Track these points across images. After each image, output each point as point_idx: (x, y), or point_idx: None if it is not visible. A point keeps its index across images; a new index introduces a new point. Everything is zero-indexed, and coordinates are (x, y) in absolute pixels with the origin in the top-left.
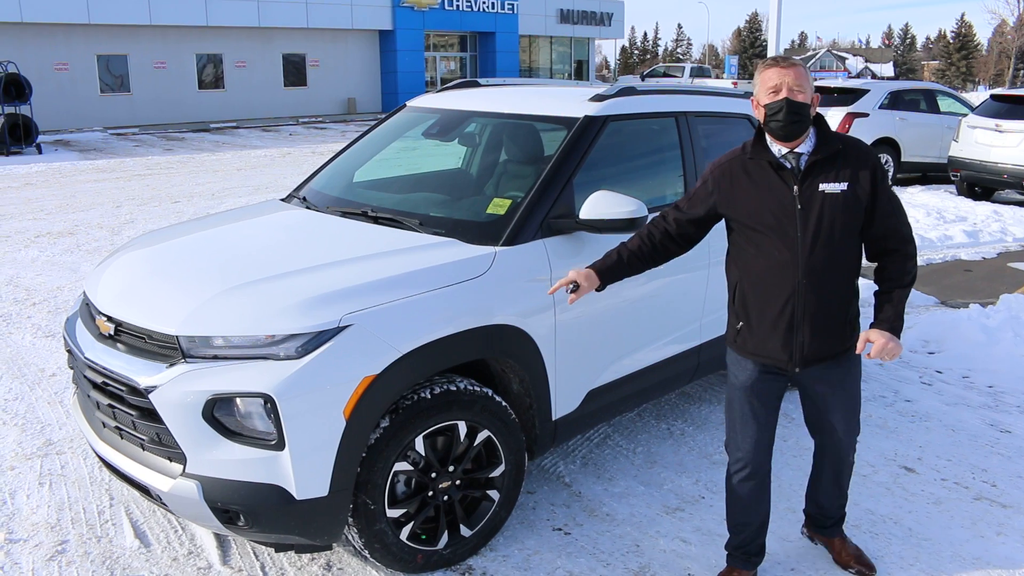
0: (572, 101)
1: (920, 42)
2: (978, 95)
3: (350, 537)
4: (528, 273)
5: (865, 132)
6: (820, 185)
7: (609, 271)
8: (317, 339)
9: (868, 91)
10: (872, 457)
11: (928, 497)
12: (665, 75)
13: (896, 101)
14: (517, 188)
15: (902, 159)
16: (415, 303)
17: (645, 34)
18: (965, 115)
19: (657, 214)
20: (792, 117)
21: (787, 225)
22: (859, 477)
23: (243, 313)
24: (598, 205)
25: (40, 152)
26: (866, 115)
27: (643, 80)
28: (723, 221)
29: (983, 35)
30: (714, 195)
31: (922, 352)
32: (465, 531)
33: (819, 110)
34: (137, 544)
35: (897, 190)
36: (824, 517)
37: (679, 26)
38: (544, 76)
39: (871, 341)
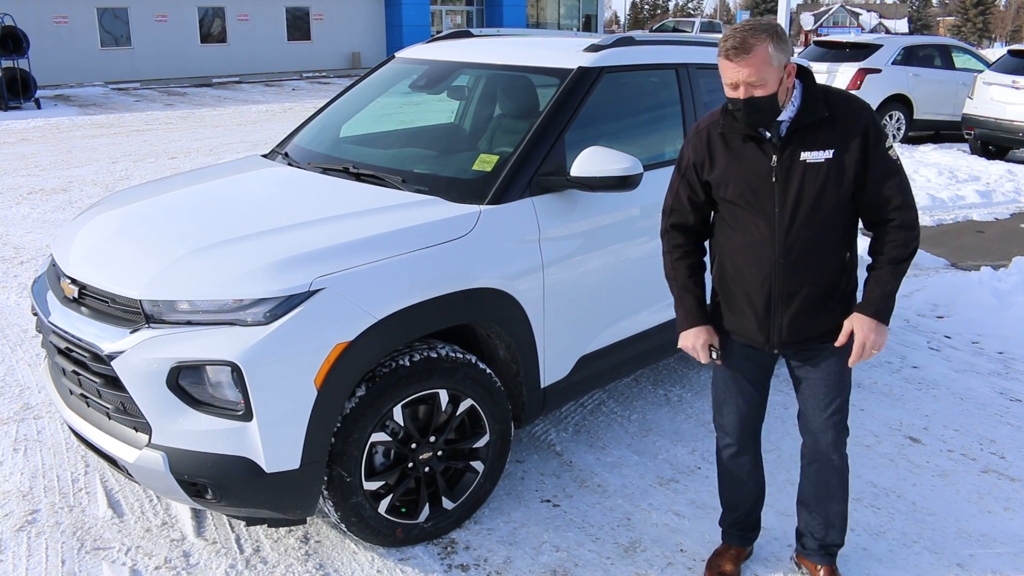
0: (566, 52)
1: None
2: (995, 52)
3: (326, 510)
4: (515, 233)
5: (877, 88)
6: (802, 154)
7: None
8: (287, 304)
9: (881, 46)
10: (876, 426)
11: (933, 469)
12: (675, 30)
13: (910, 57)
14: (508, 143)
15: (915, 116)
16: (392, 265)
17: None
18: (981, 72)
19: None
20: (755, 116)
21: (764, 199)
22: (862, 448)
23: (210, 276)
24: (590, 162)
25: (39, 107)
26: (878, 71)
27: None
28: None
29: None
30: (695, 164)
31: (931, 316)
32: (448, 504)
33: (831, 66)
34: (110, 514)
35: (908, 148)
36: (807, 538)
37: None
38: (552, 30)
39: (854, 333)
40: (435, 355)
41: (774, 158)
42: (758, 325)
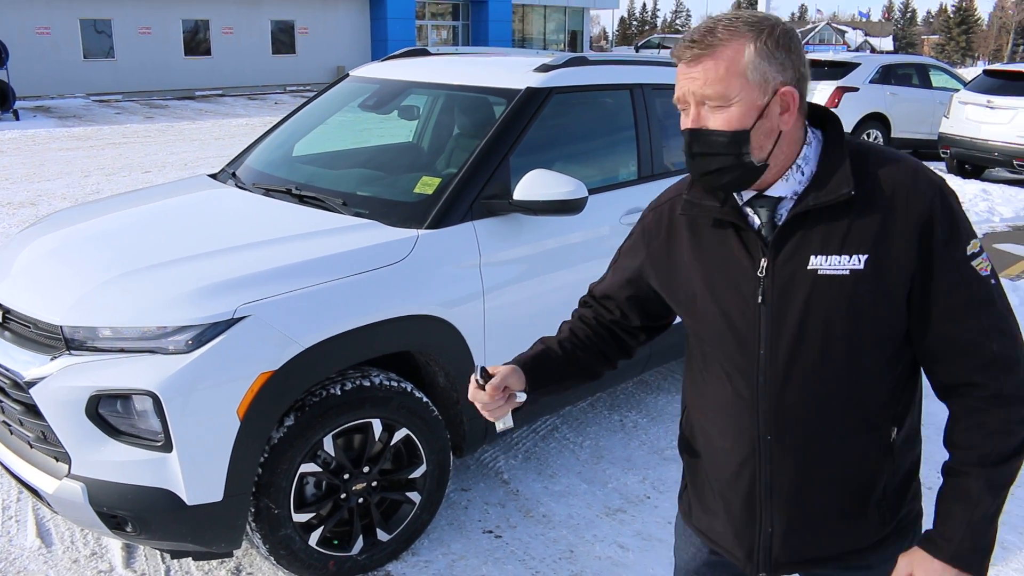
0: (517, 72)
1: (921, 16)
2: (975, 70)
3: (254, 543)
4: (454, 258)
5: (855, 107)
6: (811, 260)
7: (535, 362)
8: (210, 331)
9: (859, 64)
10: None
11: None
12: (660, 46)
13: (887, 75)
14: (456, 165)
15: (892, 135)
16: (322, 292)
17: (644, 4)
18: (958, 91)
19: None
20: (704, 166)
21: (743, 333)
22: None
23: (133, 302)
24: (533, 185)
25: (17, 118)
26: (856, 89)
27: (637, 51)
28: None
29: (984, 9)
30: (642, 255)
31: None
32: (383, 535)
33: (809, 84)
34: (38, 544)
35: None
36: None
37: None
38: (537, 46)
39: None
40: (368, 383)
41: (762, 264)
42: (734, 532)
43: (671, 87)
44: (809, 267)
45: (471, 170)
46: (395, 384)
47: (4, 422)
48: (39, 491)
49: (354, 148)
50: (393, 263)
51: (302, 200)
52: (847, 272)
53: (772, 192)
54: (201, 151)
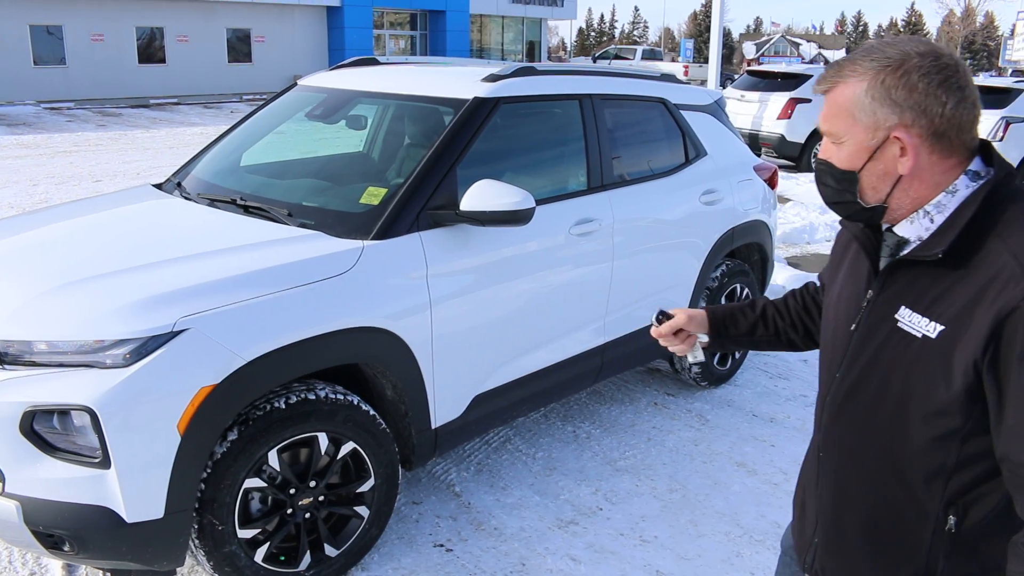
0: (465, 81)
1: (872, 29)
2: None
3: (199, 559)
4: (400, 270)
5: (807, 118)
6: (900, 309)
7: (726, 315)
8: (148, 345)
9: (812, 76)
10: (785, 463)
11: None
12: (616, 57)
13: None
14: (404, 175)
15: None
16: (264, 304)
17: (602, 15)
18: None
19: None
20: (824, 191)
21: (834, 350)
22: (769, 485)
23: (69, 314)
24: (480, 195)
25: None
26: (808, 101)
27: (594, 61)
28: None
29: (932, 24)
30: (829, 261)
31: None
32: (331, 551)
33: (763, 95)
34: None
35: None
36: None
37: (636, 8)
38: (496, 56)
39: None
40: (313, 397)
41: (868, 295)
42: (797, 522)
43: (621, 98)
44: (896, 316)
45: (417, 180)
46: (341, 397)
47: None
48: None
49: (303, 158)
50: (338, 274)
51: (247, 211)
52: (919, 336)
53: (898, 231)
54: (155, 160)
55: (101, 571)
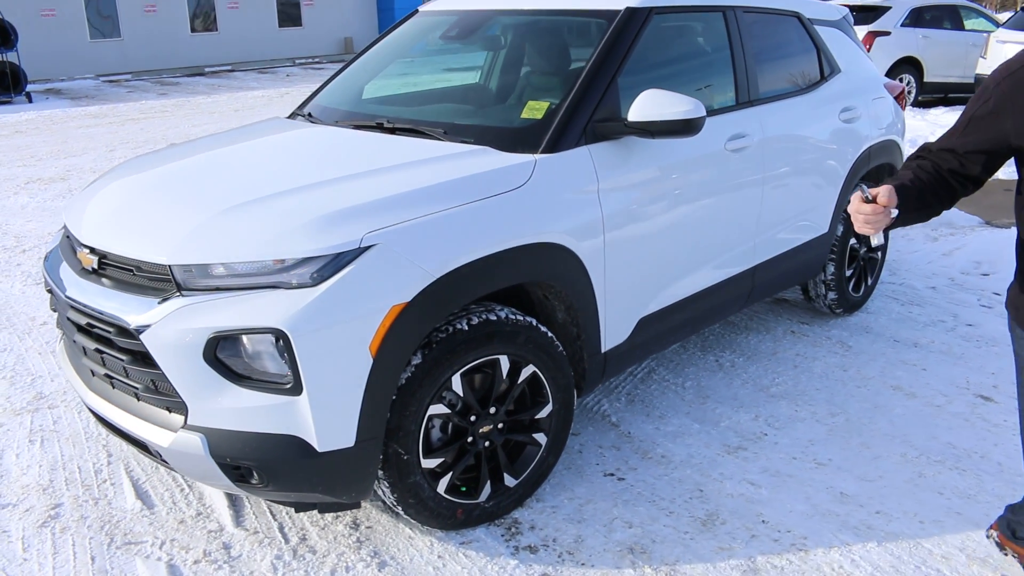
0: None
1: None
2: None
3: (380, 492)
4: (573, 184)
5: (887, 52)
6: None
7: (903, 190)
8: (335, 262)
9: (890, 8)
10: (942, 385)
11: (1012, 427)
12: None
13: (919, 18)
14: (552, 93)
15: (925, 79)
16: (448, 219)
17: None
18: (992, 31)
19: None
20: None
21: None
22: (932, 408)
23: (247, 235)
24: (649, 105)
25: (30, 100)
26: (888, 33)
27: None
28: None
29: None
30: (1002, 117)
31: (975, 273)
32: (509, 480)
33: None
34: (139, 506)
35: (920, 112)
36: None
37: None
38: None
39: None
40: (494, 318)
41: None
42: None
43: (760, 11)
44: None
45: (580, 92)
46: (521, 319)
47: (106, 375)
48: (150, 445)
49: (427, 89)
50: (515, 188)
51: (394, 132)
52: None
53: None
54: (223, 122)
55: (270, 507)
